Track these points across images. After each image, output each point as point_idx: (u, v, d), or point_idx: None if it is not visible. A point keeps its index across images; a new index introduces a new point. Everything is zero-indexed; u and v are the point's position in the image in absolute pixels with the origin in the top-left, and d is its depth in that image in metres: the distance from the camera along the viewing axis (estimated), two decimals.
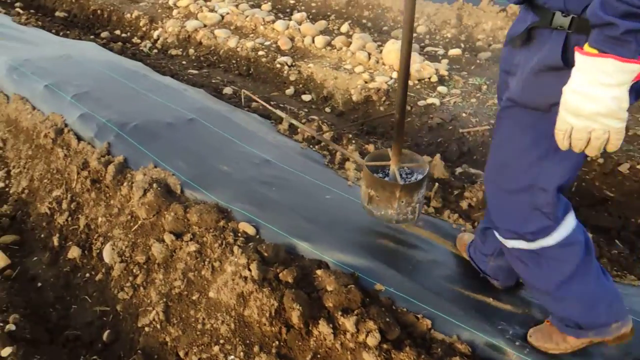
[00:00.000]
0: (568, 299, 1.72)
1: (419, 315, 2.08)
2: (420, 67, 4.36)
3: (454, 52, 4.93)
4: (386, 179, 2.34)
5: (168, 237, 2.57)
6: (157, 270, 2.55)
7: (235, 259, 2.32)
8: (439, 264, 2.31)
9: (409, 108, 4.00)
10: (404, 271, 2.27)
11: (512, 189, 1.63)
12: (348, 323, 2.00)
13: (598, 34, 1.18)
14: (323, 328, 2.03)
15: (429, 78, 4.35)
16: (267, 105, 2.80)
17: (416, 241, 2.43)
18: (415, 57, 4.54)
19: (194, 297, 2.38)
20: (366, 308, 2.08)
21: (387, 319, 2.01)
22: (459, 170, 3.29)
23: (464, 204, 2.69)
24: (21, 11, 6.54)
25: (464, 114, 3.83)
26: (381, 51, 4.70)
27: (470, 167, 3.31)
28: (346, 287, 2.13)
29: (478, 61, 4.82)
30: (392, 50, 4.48)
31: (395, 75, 4.42)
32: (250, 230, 2.52)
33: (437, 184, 2.73)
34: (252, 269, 2.23)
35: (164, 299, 2.43)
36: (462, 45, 5.31)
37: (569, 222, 1.65)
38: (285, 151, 3.11)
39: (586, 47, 1.22)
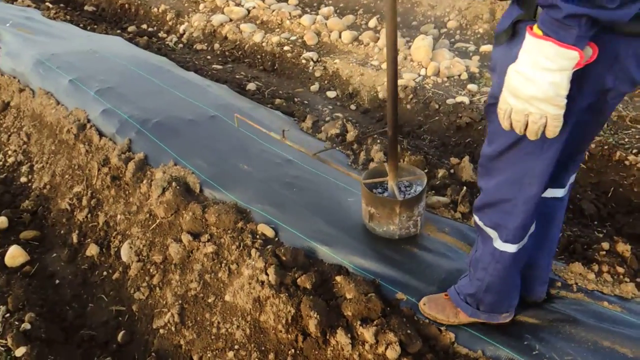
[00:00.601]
0: (484, 284, 1.79)
1: (442, 328, 1.96)
2: (449, 63, 4.20)
3: (486, 48, 4.74)
4: (385, 194, 2.36)
5: (185, 238, 2.51)
6: (173, 270, 2.50)
7: (253, 262, 2.25)
8: (463, 272, 2.18)
9: (436, 106, 3.85)
10: (427, 280, 2.16)
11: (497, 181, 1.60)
12: (367, 333, 1.91)
13: (544, 15, 1.15)
14: (341, 338, 1.94)
15: (459, 75, 4.19)
16: (261, 128, 2.73)
17: (441, 248, 2.31)
18: (445, 54, 4.38)
19: (209, 300, 2.32)
20: (387, 318, 1.98)
21: (409, 331, 1.91)
22: None
23: None
24: (51, 5, 6.60)
25: None
26: (410, 47, 4.55)
27: None
28: (366, 296, 2.03)
29: None
30: (422, 46, 4.33)
31: (423, 72, 4.27)
32: (269, 233, 2.44)
33: (464, 187, 2.60)
34: (270, 274, 2.15)
35: (180, 301, 2.37)
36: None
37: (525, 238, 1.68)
38: (309, 150, 3.01)
39: (535, 27, 1.18)
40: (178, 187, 2.71)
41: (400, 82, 4.14)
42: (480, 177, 1.66)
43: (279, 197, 2.63)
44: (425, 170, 2.86)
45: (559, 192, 1.78)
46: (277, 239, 2.44)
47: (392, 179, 2.30)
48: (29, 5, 6.28)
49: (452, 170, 2.83)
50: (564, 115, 1.26)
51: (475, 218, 1.74)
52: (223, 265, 2.37)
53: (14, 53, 4.53)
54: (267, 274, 2.17)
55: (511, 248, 1.66)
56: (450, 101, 3.84)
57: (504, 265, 1.71)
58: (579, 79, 1.26)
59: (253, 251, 2.29)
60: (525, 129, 1.30)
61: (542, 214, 1.77)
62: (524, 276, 1.95)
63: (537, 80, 1.20)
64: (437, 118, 3.79)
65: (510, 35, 1.36)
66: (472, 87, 4.04)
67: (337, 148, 2.99)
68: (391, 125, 2.13)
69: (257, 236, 2.43)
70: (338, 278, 2.14)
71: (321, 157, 2.53)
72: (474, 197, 2.64)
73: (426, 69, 4.26)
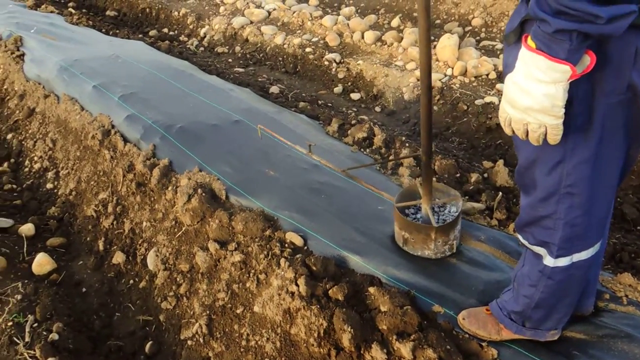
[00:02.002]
0: (533, 301, 1.68)
1: (483, 344, 1.87)
2: (477, 63, 4.09)
3: None
4: (418, 215, 2.31)
5: (212, 246, 2.46)
6: (200, 280, 2.45)
7: (282, 273, 2.18)
8: (503, 284, 2.09)
9: (465, 107, 3.75)
10: (464, 292, 2.06)
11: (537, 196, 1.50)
12: (404, 349, 1.83)
13: (536, 29, 1.13)
14: (376, 353, 1.86)
15: (487, 74, 4.07)
16: (285, 141, 2.66)
17: (478, 258, 2.21)
18: (472, 52, 4.27)
19: (238, 311, 2.26)
20: (424, 332, 1.89)
21: (448, 347, 1.82)
22: None
23: None
24: (73, 11, 6.65)
25: None
26: (435, 46, 4.45)
27: None
28: (402, 308, 1.95)
29: None
30: (447, 45, 4.22)
31: (450, 72, 4.17)
32: (298, 241, 2.37)
33: (500, 193, 2.50)
34: (300, 284, 2.09)
35: (208, 311, 2.32)
36: None
37: (584, 253, 1.55)
38: (335, 155, 2.94)
39: (529, 39, 1.17)
40: (204, 194, 2.66)
41: None
42: (520, 193, 1.57)
43: (307, 203, 2.56)
44: (457, 175, 2.77)
45: None
46: (306, 247, 2.37)
47: (427, 203, 2.22)
48: (52, 11, 6.34)
49: (485, 175, 2.73)
50: (590, 116, 1.25)
51: (520, 237, 1.64)
52: (251, 274, 2.31)
53: (38, 59, 4.55)
54: (297, 285, 2.10)
55: (563, 262, 1.55)
56: (479, 102, 3.74)
57: (556, 280, 1.60)
58: (597, 80, 1.22)
59: (282, 261, 2.23)
60: (527, 136, 1.28)
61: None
62: None
63: (532, 92, 1.19)
64: (465, 119, 3.69)
65: (518, 35, 1.29)
66: (501, 86, 3.92)
67: (369, 165, 2.88)
68: (425, 149, 2.07)
69: (286, 245, 2.36)
70: (371, 289, 2.06)
71: (351, 173, 2.46)
72: (510, 202, 2.54)
73: (452, 68, 4.16)
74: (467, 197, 2.55)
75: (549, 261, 1.56)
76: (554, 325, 1.77)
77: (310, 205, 2.55)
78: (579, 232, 1.50)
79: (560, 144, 1.28)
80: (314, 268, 2.18)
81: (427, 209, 2.23)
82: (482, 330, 1.87)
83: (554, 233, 1.49)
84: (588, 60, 1.16)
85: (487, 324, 1.87)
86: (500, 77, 4.10)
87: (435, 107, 3.88)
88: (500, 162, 2.72)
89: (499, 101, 3.72)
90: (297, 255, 2.29)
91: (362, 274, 2.20)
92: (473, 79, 4.08)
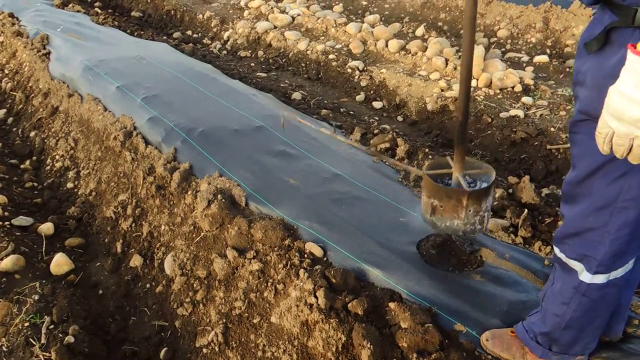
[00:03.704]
0: (564, 321, 1.63)
1: None
2: (502, 75, 4.02)
3: (540, 59, 4.54)
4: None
5: (231, 253, 2.43)
6: (217, 287, 2.43)
7: (301, 284, 2.15)
8: (529, 305, 2.03)
9: (489, 120, 3.69)
10: (487, 311, 2.01)
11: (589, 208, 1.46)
12: None
13: None
14: None
15: (513, 87, 4.01)
16: (310, 124, 2.57)
17: (503, 276, 2.15)
18: (497, 64, 4.21)
19: (254, 321, 2.23)
20: (445, 352, 1.84)
21: None
22: (545, 191, 2.96)
23: None
24: (99, 11, 6.72)
25: (552, 129, 3.48)
26: (460, 57, 4.39)
27: (559, 189, 2.96)
28: (423, 326, 1.90)
29: (567, 69, 4.41)
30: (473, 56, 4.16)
31: (474, 83, 4.11)
32: (317, 252, 2.34)
33: (525, 210, 2.43)
34: (319, 297, 2.05)
35: (224, 320, 2.29)
36: (548, 52, 4.90)
37: (621, 270, 1.51)
38: (357, 165, 2.90)
39: (638, 46, 1.10)
40: (223, 200, 2.64)
41: (450, 93, 3.99)
42: (564, 203, 1.52)
43: (327, 213, 2.53)
44: None
45: None
46: (325, 258, 2.34)
47: (458, 170, 2.06)
48: (78, 11, 6.41)
49: (510, 190, 2.67)
50: None
51: (556, 250, 1.59)
52: (269, 284, 2.28)
53: (63, 58, 4.60)
54: (316, 297, 2.06)
55: (600, 279, 1.51)
56: (503, 114, 3.68)
57: (591, 299, 1.55)
58: None
59: (301, 271, 2.19)
60: (628, 154, 1.19)
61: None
62: None
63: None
64: (489, 132, 3.63)
65: (602, 43, 1.25)
66: (526, 100, 3.85)
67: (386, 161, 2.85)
68: (462, 109, 1.92)
69: (305, 255, 2.33)
70: (392, 305, 2.01)
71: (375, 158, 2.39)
72: (536, 220, 2.47)
73: (477, 80, 4.10)
74: (491, 213, 2.48)
75: (585, 277, 1.52)
76: (581, 350, 1.71)
77: (331, 216, 2.51)
78: (623, 249, 1.45)
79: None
80: (334, 280, 2.14)
81: (459, 177, 2.07)
82: (506, 353, 1.82)
83: (598, 247, 1.46)
84: None
85: (512, 347, 1.82)
86: (526, 90, 4.03)
87: None
88: (526, 178, 2.66)
89: (524, 115, 3.65)
90: (317, 267, 2.25)
91: (382, 288, 2.16)
92: (498, 91, 4.01)
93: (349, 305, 2.04)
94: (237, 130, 3.21)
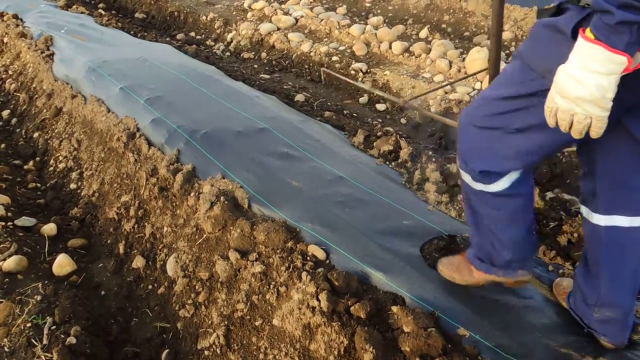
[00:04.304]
0: (496, 239, 1.84)
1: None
2: None
3: None
4: None
5: (233, 255, 2.43)
6: (220, 289, 2.42)
7: (303, 286, 2.14)
8: (532, 310, 2.02)
9: None
10: (491, 316, 2.00)
11: (481, 125, 1.70)
12: None
13: (597, 20, 1.19)
14: None
15: None
16: (347, 79, 2.63)
17: None
18: (502, 66, 4.19)
19: (256, 323, 2.22)
20: (448, 356, 1.83)
21: None
22: (549, 195, 2.94)
23: (562, 239, 2.37)
24: (103, 12, 6.74)
25: None
26: (464, 59, 4.38)
27: (564, 193, 2.95)
28: (426, 330, 1.89)
29: None
30: (477, 58, 4.15)
31: (479, 86, 4.10)
32: (320, 254, 2.33)
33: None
34: (321, 300, 2.04)
35: (226, 322, 2.29)
36: None
37: (512, 176, 1.70)
38: (360, 167, 2.90)
39: (587, 31, 1.22)
40: (226, 202, 2.64)
41: (454, 96, 3.98)
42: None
43: (331, 216, 2.52)
44: None
45: (624, 221, 1.66)
46: (328, 261, 2.33)
47: None
48: (82, 12, 6.43)
49: None
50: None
51: (463, 175, 1.86)
52: (271, 286, 2.27)
53: (67, 59, 4.61)
54: (318, 300, 2.06)
55: (479, 187, 1.76)
56: None
57: (486, 205, 1.80)
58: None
59: (304, 274, 2.18)
60: (570, 128, 1.33)
61: (610, 244, 1.69)
62: (603, 318, 1.78)
63: (585, 82, 1.24)
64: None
65: (551, 14, 1.41)
66: None
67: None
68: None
69: (308, 257, 2.32)
70: (394, 308, 2.01)
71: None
72: (540, 224, 2.46)
73: (482, 82, 4.08)
74: None
75: (475, 185, 1.80)
76: (519, 265, 1.89)
77: (334, 218, 2.51)
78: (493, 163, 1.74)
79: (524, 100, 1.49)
80: (336, 283, 2.13)
81: None
82: (457, 274, 2.04)
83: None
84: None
85: (461, 268, 2.03)
86: None
87: None
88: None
89: None
90: (319, 269, 2.24)
91: (385, 292, 2.15)
92: None
93: (352, 308, 2.03)
94: (240, 132, 3.21)
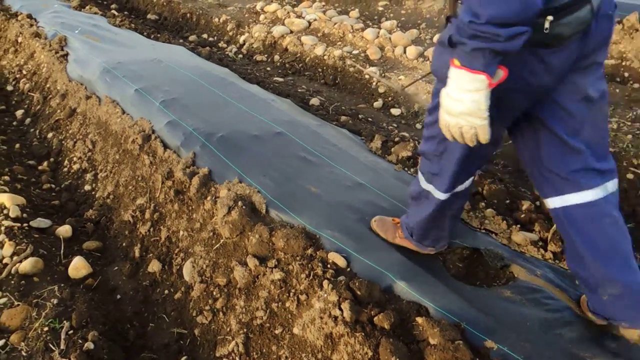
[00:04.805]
0: (418, 220, 2.17)
1: None
2: None
3: None
4: None
5: (252, 261, 2.40)
6: (238, 295, 2.39)
7: (325, 295, 2.11)
8: (561, 322, 1.98)
9: None
10: (519, 328, 1.96)
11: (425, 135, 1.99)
12: None
13: (458, 50, 1.44)
14: None
15: None
16: (376, 75, 2.83)
17: (533, 293, 2.10)
18: None
19: (276, 331, 2.19)
20: None
21: None
22: None
23: None
24: (116, 13, 6.74)
25: None
26: None
27: None
28: (453, 343, 1.85)
29: None
30: None
31: None
32: (341, 262, 2.29)
33: (555, 224, 2.38)
34: (344, 309, 2.01)
35: (245, 329, 2.26)
36: None
37: (459, 188, 1.99)
38: (380, 173, 2.86)
39: (455, 60, 1.46)
40: (244, 207, 2.61)
41: None
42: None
43: (351, 223, 2.49)
44: (507, 201, 2.66)
45: (575, 198, 1.79)
46: (349, 269, 2.29)
47: None
48: (95, 13, 6.43)
49: (537, 203, 2.62)
50: (501, 119, 1.65)
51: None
52: (291, 294, 2.24)
53: (81, 60, 4.59)
54: (341, 309, 2.02)
55: (434, 192, 2.01)
56: None
57: (417, 202, 2.15)
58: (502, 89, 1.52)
59: (325, 282, 2.15)
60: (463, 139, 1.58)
61: (573, 223, 1.81)
62: (610, 297, 1.82)
63: (462, 100, 1.47)
64: (510, 142, 3.56)
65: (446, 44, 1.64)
66: None
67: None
68: None
69: (328, 265, 2.29)
70: (419, 320, 1.97)
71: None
72: None
73: None
74: (518, 226, 2.43)
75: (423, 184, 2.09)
76: (430, 243, 2.25)
77: (354, 225, 2.47)
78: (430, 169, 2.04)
79: None
80: (359, 292, 2.10)
81: None
82: (383, 233, 2.37)
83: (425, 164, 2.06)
84: (501, 73, 1.47)
85: (389, 230, 2.36)
86: None
87: None
88: None
89: None
90: (340, 277, 2.21)
91: (408, 302, 2.11)
92: None
93: (375, 318, 1.99)
94: (256, 136, 3.18)
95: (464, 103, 1.47)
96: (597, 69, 1.65)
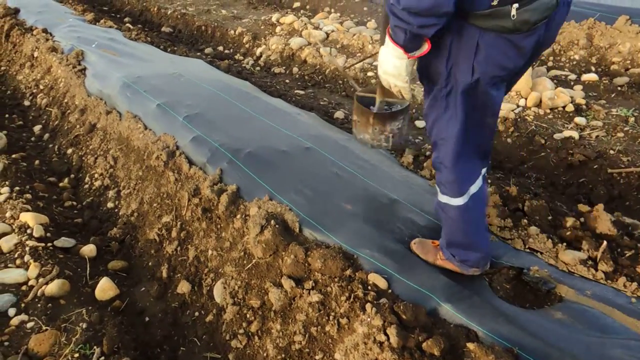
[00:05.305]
0: (450, 238, 2.17)
1: None
2: (553, 94, 3.88)
3: (589, 77, 4.39)
4: (372, 107, 2.61)
5: (287, 283, 2.31)
6: (273, 319, 2.30)
7: (368, 319, 2.01)
8: (615, 345, 1.87)
9: (542, 141, 3.54)
10: (570, 351, 1.85)
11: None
12: None
13: (390, 22, 1.63)
14: None
15: (564, 107, 3.86)
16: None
17: (585, 314, 2.00)
18: (546, 83, 4.07)
19: (317, 357, 2.10)
20: None
21: None
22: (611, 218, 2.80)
23: None
24: (131, 26, 6.72)
25: (611, 151, 3.32)
26: None
27: (625, 216, 2.80)
28: None
29: (618, 88, 4.25)
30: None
31: (522, 102, 3.97)
32: (382, 284, 2.20)
33: (604, 242, 2.28)
34: (390, 335, 1.92)
35: (283, 354, 2.17)
36: (593, 69, 4.74)
37: (471, 190, 2.02)
38: (414, 189, 2.77)
39: (388, 28, 1.68)
40: (277, 226, 2.52)
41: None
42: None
43: (389, 242, 2.40)
44: (549, 218, 2.56)
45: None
46: (390, 290, 2.20)
47: (379, 96, 2.55)
48: (110, 26, 6.41)
49: (582, 219, 2.52)
50: (453, 94, 1.79)
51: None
52: (331, 317, 2.15)
53: (100, 74, 4.55)
54: (386, 334, 1.93)
55: (444, 199, 2.07)
56: (557, 136, 3.53)
57: (448, 215, 2.11)
58: (455, 63, 1.73)
59: (368, 306, 2.06)
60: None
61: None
62: None
63: (387, 62, 1.76)
64: (543, 154, 3.48)
65: None
66: (579, 120, 3.70)
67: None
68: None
69: (369, 287, 2.19)
70: (471, 346, 1.87)
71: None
72: (614, 253, 2.32)
73: (526, 99, 3.96)
74: (565, 244, 2.34)
75: (440, 197, 2.10)
76: (473, 263, 2.15)
77: (392, 244, 2.38)
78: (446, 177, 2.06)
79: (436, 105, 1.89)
80: (404, 316, 2.01)
81: (378, 101, 2.57)
82: (424, 255, 2.30)
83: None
84: (425, 47, 1.67)
85: (429, 252, 2.29)
86: (578, 110, 3.88)
87: (509, 140, 3.69)
88: (600, 206, 2.50)
89: (579, 136, 3.51)
90: (382, 300, 2.12)
91: (456, 325, 2.02)
92: (548, 111, 3.87)
93: (424, 344, 1.90)
94: (284, 151, 3.10)
95: (389, 65, 1.75)
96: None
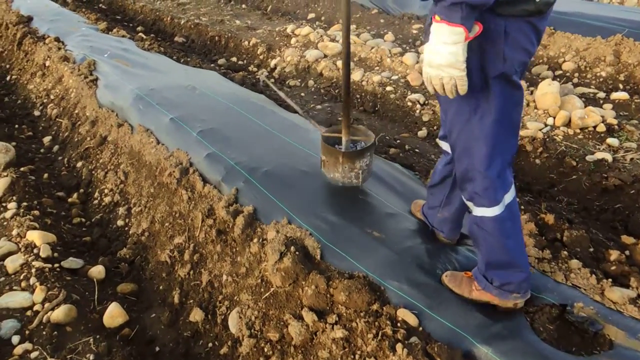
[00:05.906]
0: (487, 258, 2.03)
1: None
2: (583, 113, 3.71)
3: (620, 95, 4.21)
4: (338, 146, 2.69)
5: (308, 316, 2.15)
6: (294, 354, 2.14)
7: None
8: None
9: (573, 163, 3.36)
10: None
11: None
12: None
13: (438, 6, 1.56)
14: None
15: (595, 127, 3.68)
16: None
17: (627, 352, 1.82)
18: (575, 101, 3.90)
19: None
20: None
21: None
22: None
23: None
24: (144, 36, 6.63)
25: None
26: (532, 92, 4.10)
27: None
28: None
29: None
30: (549, 92, 3.86)
31: (550, 121, 3.80)
32: (412, 320, 2.04)
33: None
34: None
35: None
36: (621, 87, 4.57)
37: (506, 199, 1.93)
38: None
39: (436, 16, 1.59)
40: (297, 253, 2.36)
41: (525, 132, 3.69)
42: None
43: (418, 273, 2.23)
44: (591, 249, 2.39)
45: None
46: (421, 328, 2.03)
47: (345, 136, 2.64)
48: (123, 36, 6.30)
49: (627, 252, 2.34)
50: (484, 90, 1.75)
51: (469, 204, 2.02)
52: (357, 356, 1.99)
53: (112, 85, 4.44)
54: None
55: (479, 212, 1.96)
56: (589, 158, 3.35)
57: (484, 230, 1.97)
58: (481, 61, 1.70)
59: (398, 346, 1.89)
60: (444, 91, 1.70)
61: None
62: (443, 218, 2.34)
63: (441, 52, 1.60)
64: (574, 177, 3.30)
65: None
66: (612, 141, 3.53)
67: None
68: (344, 88, 2.53)
69: (398, 324, 2.03)
70: None
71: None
72: None
73: (554, 118, 3.79)
74: (610, 280, 2.16)
75: (475, 211, 1.98)
76: (514, 288, 1.99)
77: (422, 276, 2.21)
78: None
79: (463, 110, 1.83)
80: (438, 359, 1.84)
81: (345, 141, 2.65)
82: (457, 288, 2.14)
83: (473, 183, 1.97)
84: (477, 28, 1.60)
85: (462, 284, 2.14)
86: (609, 130, 3.71)
87: (537, 161, 3.52)
88: None
89: (612, 159, 3.33)
90: (413, 339, 1.95)
91: None
92: (578, 130, 3.69)
93: None
94: (304, 171, 2.95)
95: (443, 55, 1.60)
96: None
